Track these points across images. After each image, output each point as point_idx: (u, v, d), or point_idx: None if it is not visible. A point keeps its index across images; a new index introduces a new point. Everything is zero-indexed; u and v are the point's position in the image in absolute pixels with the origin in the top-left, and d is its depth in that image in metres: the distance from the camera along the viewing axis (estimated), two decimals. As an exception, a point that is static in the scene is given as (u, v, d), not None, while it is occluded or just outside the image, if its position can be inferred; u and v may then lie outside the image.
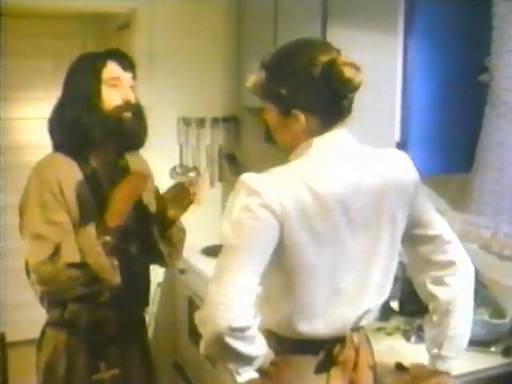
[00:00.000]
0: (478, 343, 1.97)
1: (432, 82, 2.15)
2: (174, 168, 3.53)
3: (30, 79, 4.47)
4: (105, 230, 1.89)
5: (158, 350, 2.34)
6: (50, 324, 2.06)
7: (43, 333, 2.08)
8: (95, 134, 1.94)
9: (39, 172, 1.95)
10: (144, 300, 2.21)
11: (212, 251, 3.30)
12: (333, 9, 2.44)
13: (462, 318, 1.65)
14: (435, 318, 1.67)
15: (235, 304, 1.35)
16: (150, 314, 3.38)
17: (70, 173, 1.96)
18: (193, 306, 3.20)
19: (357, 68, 1.45)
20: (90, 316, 2.00)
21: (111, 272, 1.91)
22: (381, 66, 2.16)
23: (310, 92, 1.45)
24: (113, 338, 2.06)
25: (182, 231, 2.24)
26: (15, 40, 4.14)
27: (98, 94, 1.94)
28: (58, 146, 2.02)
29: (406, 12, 2.09)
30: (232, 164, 3.68)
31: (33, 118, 4.32)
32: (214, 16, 3.50)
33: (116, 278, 1.92)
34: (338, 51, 1.50)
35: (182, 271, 3.32)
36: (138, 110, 2.02)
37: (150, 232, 2.12)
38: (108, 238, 1.89)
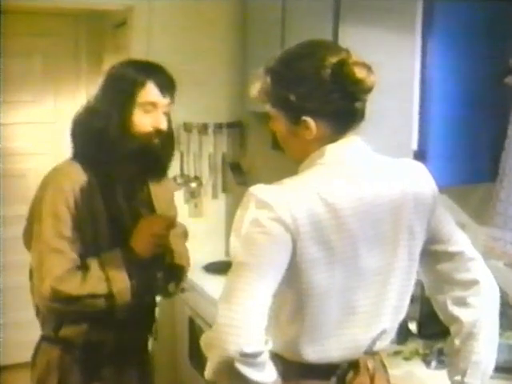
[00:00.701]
0: (504, 370, 1.98)
1: (453, 85, 2.16)
2: (175, 178, 3.58)
3: (17, 80, 4.44)
4: (133, 259, 1.96)
5: (157, 372, 2.35)
6: (44, 339, 2.10)
7: (37, 348, 2.13)
8: (120, 152, 1.96)
9: (56, 180, 1.98)
10: (148, 323, 2.24)
11: (215, 268, 3.32)
12: (345, 6, 2.46)
13: (486, 342, 1.65)
14: (457, 341, 1.66)
15: (247, 328, 1.35)
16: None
17: (86, 186, 1.98)
18: (194, 326, 3.21)
19: (369, 68, 1.46)
20: (87, 336, 2.03)
21: (128, 297, 1.96)
22: (397, 67, 2.17)
23: (321, 96, 1.46)
24: (110, 360, 2.08)
25: (180, 268, 2.24)
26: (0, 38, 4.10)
27: (129, 115, 1.96)
28: (78, 154, 2.04)
29: (425, 9, 2.10)
30: (236, 173, 3.69)
31: (19, 123, 4.30)
32: (217, 14, 3.52)
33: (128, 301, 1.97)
34: (348, 51, 1.51)
35: (183, 289, 3.30)
36: (167, 138, 2.05)
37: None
38: (135, 269, 1.96)
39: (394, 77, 2.14)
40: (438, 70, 2.13)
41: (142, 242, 1.99)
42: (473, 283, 1.65)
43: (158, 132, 1.98)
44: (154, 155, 2.00)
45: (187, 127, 3.54)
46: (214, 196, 3.69)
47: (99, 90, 2.04)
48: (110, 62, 4.53)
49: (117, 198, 2.04)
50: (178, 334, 3.50)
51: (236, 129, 3.66)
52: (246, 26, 3.46)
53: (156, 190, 2.17)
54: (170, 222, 2.06)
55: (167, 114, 2.02)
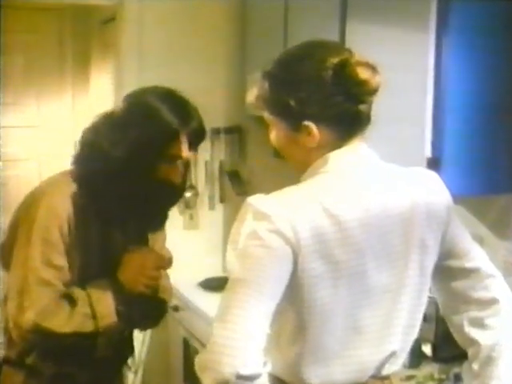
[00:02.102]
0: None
1: (469, 87, 2.16)
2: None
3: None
4: (122, 296, 1.96)
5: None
6: (6, 362, 2.07)
7: None
8: (128, 192, 1.92)
9: (51, 200, 1.93)
10: (126, 356, 2.26)
11: (212, 284, 3.33)
12: (353, 4, 2.48)
13: (507, 366, 1.65)
14: (475, 366, 1.67)
15: (244, 348, 1.36)
16: (139, 357, 3.40)
17: (82, 212, 1.94)
18: (188, 348, 3.22)
19: (373, 68, 1.48)
20: (59, 368, 2.02)
21: (113, 334, 1.97)
22: (409, 69, 2.19)
23: (323, 99, 1.49)
24: None
25: (168, 290, 2.25)
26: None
27: (153, 166, 1.91)
28: (79, 174, 1.98)
29: (439, 7, 2.11)
30: (235, 182, 3.70)
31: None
32: (213, 11, 3.55)
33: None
34: (350, 51, 1.53)
35: (176, 308, 3.33)
36: (178, 189, 2.03)
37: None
38: (122, 308, 1.96)
39: (405, 79, 2.16)
40: (453, 71, 2.13)
41: (131, 278, 1.99)
42: (491, 302, 1.66)
43: (172, 184, 1.95)
44: (159, 202, 1.99)
45: (182, 132, 3.56)
46: (211, 207, 3.70)
47: (124, 115, 1.95)
48: (97, 61, 4.56)
49: (112, 229, 2.02)
50: (171, 356, 3.50)
51: (234, 134, 3.68)
52: (245, 25, 3.48)
53: None
54: (164, 263, 2.07)
55: (187, 162, 2.01)
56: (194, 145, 1.95)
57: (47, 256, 1.90)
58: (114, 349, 2.05)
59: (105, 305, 1.94)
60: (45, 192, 1.96)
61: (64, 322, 1.90)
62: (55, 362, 2.01)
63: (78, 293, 1.93)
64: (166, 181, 1.94)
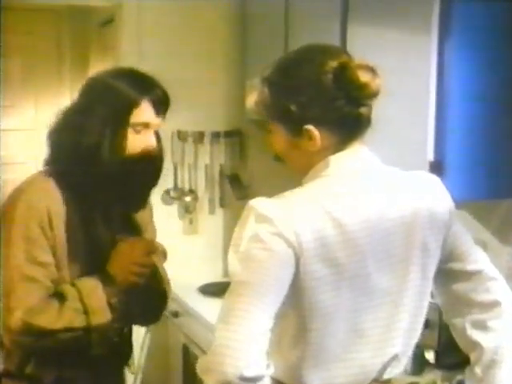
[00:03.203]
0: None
1: (473, 90, 2.17)
2: (168, 191, 3.61)
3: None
4: (113, 289, 1.96)
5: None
6: (6, 375, 2.05)
7: None
8: (105, 175, 1.93)
9: (28, 197, 1.93)
10: (125, 355, 2.25)
11: (212, 290, 3.33)
12: (354, 6, 2.50)
13: (510, 369, 1.66)
14: (478, 370, 1.68)
15: (247, 350, 1.38)
16: (138, 364, 3.41)
17: (62, 206, 1.95)
18: (188, 355, 3.23)
19: (373, 71, 1.50)
20: (59, 373, 2.02)
21: (108, 330, 1.97)
22: (412, 72, 2.20)
23: (323, 103, 1.51)
24: None
25: (166, 280, 2.23)
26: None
27: (123, 137, 1.93)
28: (54, 170, 2.00)
29: (442, 9, 2.12)
30: (235, 187, 3.71)
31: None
32: (215, 13, 3.56)
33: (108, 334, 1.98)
34: (349, 54, 1.56)
35: (176, 314, 3.34)
36: (155, 161, 2.03)
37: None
38: (115, 301, 1.96)
39: (408, 82, 2.17)
40: (456, 74, 2.14)
41: (121, 268, 1.99)
42: (493, 305, 1.67)
43: (147, 154, 1.97)
44: (138, 181, 1.99)
45: (182, 136, 3.57)
46: (211, 211, 3.71)
47: (83, 101, 2.01)
48: (96, 63, 4.58)
49: (95, 219, 2.02)
50: (170, 363, 3.51)
51: (235, 138, 3.70)
52: (245, 28, 3.50)
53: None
54: (153, 248, 2.06)
55: (157, 133, 2.02)
56: (160, 112, 1.98)
57: (31, 253, 1.89)
58: (112, 348, 2.04)
59: (96, 299, 1.93)
60: (22, 190, 1.97)
61: (54, 318, 1.89)
62: (54, 366, 2.00)
63: (68, 289, 1.93)
64: (141, 154, 1.96)
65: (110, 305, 1.95)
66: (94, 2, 3.67)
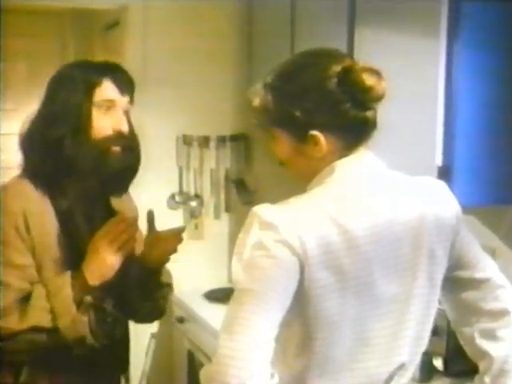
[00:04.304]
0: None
1: (482, 94, 2.17)
2: (173, 196, 3.61)
3: (-2, 86, 4.48)
4: (84, 288, 1.90)
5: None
6: None
7: None
8: (79, 164, 1.93)
9: (2, 202, 1.94)
10: (121, 363, 2.22)
11: (217, 296, 3.34)
12: (362, 8, 2.50)
13: None
14: (487, 379, 1.68)
15: (250, 360, 1.37)
16: (143, 370, 3.41)
17: (38, 206, 1.95)
18: (193, 361, 3.23)
19: (378, 74, 1.50)
20: (50, 380, 2.00)
21: (82, 333, 1.92)
22: (419, 74, 2.20)
23: (329, 108, 1.50)
24: None
25: (167, 286, 2.23)
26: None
27: (88, 116, 1.94)
28: (28, 170, 2.01)
29: (451, 11, 2.12)
30: (241, 191, 3.72)
31: (1, 134, 4.36)
32: (219, 15, 3.57)
33: (87, 339, 1.93)
34: (352, 58, 1.56)
35: (181, 320, 3.35)
36: (130, 144, 2.02)
37: (127, 283, 2.11)
38: (88, 299, 1.91)
39: (415, 85, 2.17)
40: (464, 77, 2.13)
41: (98, 260, 1.92)
42: (502, 314, 1.67)
43: (119, 136, 1.97)
44: (113, 168, 1.97)
45: (187, 140, 3.58)
46: (216, 216, 3.72)
47: (46, 96, 2.02)
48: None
49: (74, 217, 2.01)
50: (175, 369, 3.52)
51: (240, 142, 3.70)
52: (251, 29, 3.51)
53: (118, 206, 2.15)
54: (131, 222, 1.99)
55: (127, 115, 2.01)
56: (125, 91, 1.99)
57: (6, 256, 1.90)
58: (105, 353, 2.00)
59: (60, 297, 1.89)
60: None
61: (19, 318, 1.87)
62: (46, 372, 1.99)
63: (37, 288, 1.91)
64: (113, 136, 1.95)
65: (80, 303, 1.90)
66: (99, 4, 3.67)
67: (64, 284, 1.90)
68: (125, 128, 1.98)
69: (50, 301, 1.89)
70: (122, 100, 1.99)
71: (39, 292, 1.90)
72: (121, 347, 2.19)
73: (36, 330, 1.88)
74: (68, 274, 1.93)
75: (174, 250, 2.10)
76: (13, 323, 1.87)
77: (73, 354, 1.94)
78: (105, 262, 1.93)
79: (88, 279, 1.91)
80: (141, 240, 2.12)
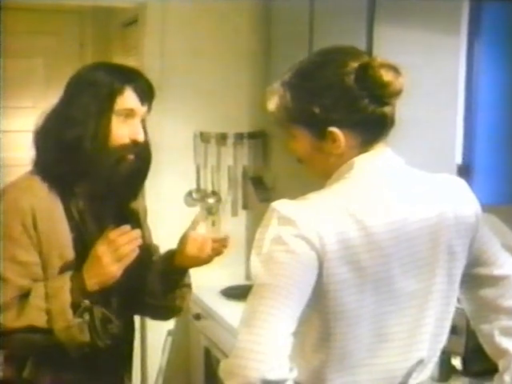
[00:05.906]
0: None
1: (502, 91, 2.16)
2: (190, 193, 3.62)
3: (16, 84, 4.53)
4: (82, 293, 1.88)
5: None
6: (5, 382, 2.03)
7: None
8: (94, 169, 1.93)
9: (11, 197, 1.94)
10: (123, 362, 2.22)
11: (234, 293, 3.34)
12: (381, 5, 2.50)
13: None
14: (507, 378, 1.67)
15: (270, 353, 1.37)
16: (160, 367, 3.42)
17: (47, 203, 1.94)
18: (210, 358, 3.24)
19: (395, 69, 1.51)
20: (54, 377, 2.00)
21: (79, 339, 1.90)
22: (440, 72, 2.20)
23: (347, 104, 1.51)
24: None
25: (187, 286, 2.23)
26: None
27: (108, 124, 1.93)
28: (40, 167, 2.00)
29: (472, 8, 2.11)
30: (259, 189, 3.72)
31: (19, 131, 4.31)
32: (238, 13, 3.58)
33: (85, 340, 1.91)
34: (370, 55, 1.57)
35: (198, 317, 3.36)
36: (144, 153, 2.03)
37: (139, 281, 2.11)
38: (86, 303, 1.89)
39: (435, 82, 2.17)
40: (485, 74, 2.13)
41: (98, 267, 1.88)
42: (522, 311, 1.67)
43: (135, 144, 1.96)
44: (127, 173, 1.97)
45: (204, 137, 3.59)
46: (234, 213, 3.73)
47: (66, 96, 2.01)
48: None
49: (83, 216, 2.00)
50: (192, 366, 3.53)
51: (258, 139, 3.71)
52: (270, 27, 3.51)
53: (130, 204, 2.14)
54: (134, 236, 1.91)
55: (144, 123, 2.02)
56: (144, 100, 1.98)
57: (11, 252, 1.89)
58: (108, 351, 1.99)
59: (58, 299, 1.87)
60: (5, 191, 1.97)
61: (16, 315, 1.86)
62: (49, 369, 1.99)
63: (36, 286, 1.90)
64: (129, 144, 1.95)
65: (76, 306, 1.88)
66: (118, 2, 3.69)
67: (63, 286, 1.89)
68: (141, 137, 1.98)
69: (48, 301, 1.88)
70: (141, 109, 1.98)
71: (39, 291, 1.89)
72: (124, 347, 2.18)
73: (32, 329, 1.87)
74: (68, 276, 1.91)
75: (209, 260, 2.13)
76: (9, 320, 1.87)
77: (71, 355, 1.93)
78: (105, 271, 1.89)
79: (87, 285, 1.89)
80: (149, 238, 2.16)
